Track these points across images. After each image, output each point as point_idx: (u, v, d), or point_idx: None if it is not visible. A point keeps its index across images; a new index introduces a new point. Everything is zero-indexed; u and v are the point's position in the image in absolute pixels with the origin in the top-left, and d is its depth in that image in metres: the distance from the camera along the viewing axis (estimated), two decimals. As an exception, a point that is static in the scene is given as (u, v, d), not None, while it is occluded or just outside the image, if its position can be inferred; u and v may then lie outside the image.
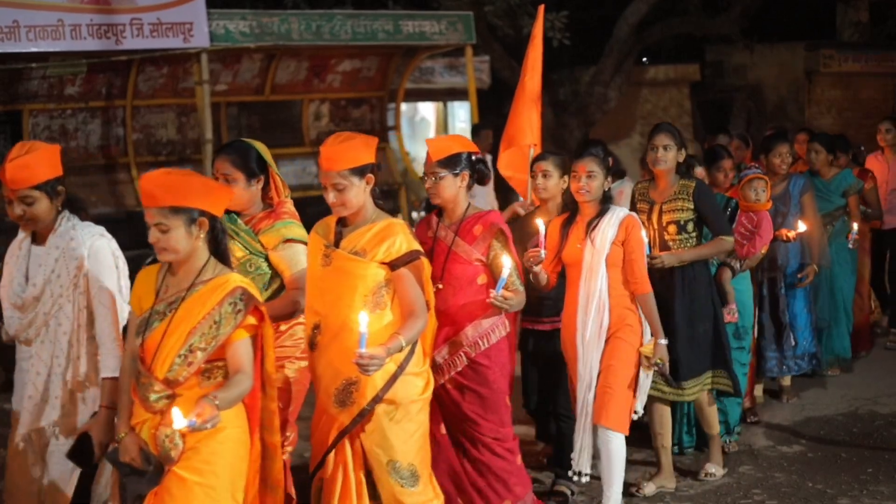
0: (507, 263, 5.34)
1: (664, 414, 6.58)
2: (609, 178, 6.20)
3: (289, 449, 5.27)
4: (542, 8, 8.17)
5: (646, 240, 6.12)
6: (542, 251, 5.76)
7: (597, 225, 6.01)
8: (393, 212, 13.05)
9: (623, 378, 5.94)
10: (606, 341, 5.98)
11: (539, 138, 7.67)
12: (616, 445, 5.91)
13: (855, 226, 8.76)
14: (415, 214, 13.42)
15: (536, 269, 5.87)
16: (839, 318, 9.13)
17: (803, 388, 8.63)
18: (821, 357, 8.61)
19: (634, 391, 5.98)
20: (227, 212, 4.89)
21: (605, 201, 6.10)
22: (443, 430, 5.65)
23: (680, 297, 6.50)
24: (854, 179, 9.10)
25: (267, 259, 5.16)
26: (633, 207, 6.81)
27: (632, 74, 18.33)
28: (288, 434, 5.22)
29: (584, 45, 18.44)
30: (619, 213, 6.07)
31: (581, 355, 6.00)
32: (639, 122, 20.46)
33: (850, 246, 8.89)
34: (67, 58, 11.18)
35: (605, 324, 5.96)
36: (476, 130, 12.75)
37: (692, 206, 6.59)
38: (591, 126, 18.07)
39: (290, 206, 5.40)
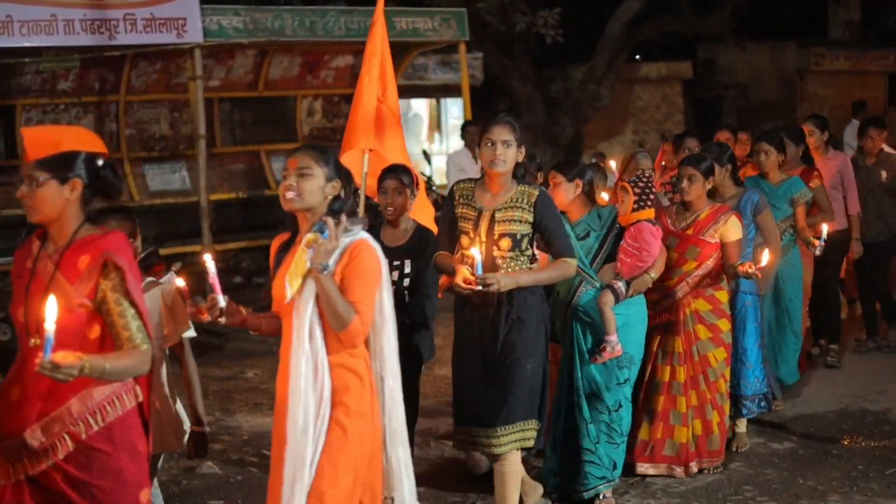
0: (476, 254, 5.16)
1: (504, 473, 5.58)
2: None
3: None
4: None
5: (478, 257, 5.16)
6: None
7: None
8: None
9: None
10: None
11: (377, 143, 7.31)
12: None
13: (825, 229, 7.47)
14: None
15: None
16: (786, 340, 8.22)
17: (793, 385, 8.65)
18: (770, 398, 7.48)
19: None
20: None
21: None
22: None
23: (504, 328, 5.50)
24: (803, 187, 8.11)
25: None
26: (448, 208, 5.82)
27: (624, 72, 18.36)
28: None
29: (576, 43, 18.48)
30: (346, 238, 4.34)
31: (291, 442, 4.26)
32: (631, 120, 20.52)
33: (817, 253, 7.66)
34: (60, 53, 11.18)
35: (326, 393, 4.27)
36: (465, 127, 12.78)
37: (531, 219, 5.52)
38: (583, 123, 18.13)
39: None
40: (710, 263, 6.75)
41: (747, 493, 6.49)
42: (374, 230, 5.94)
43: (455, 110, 19.13)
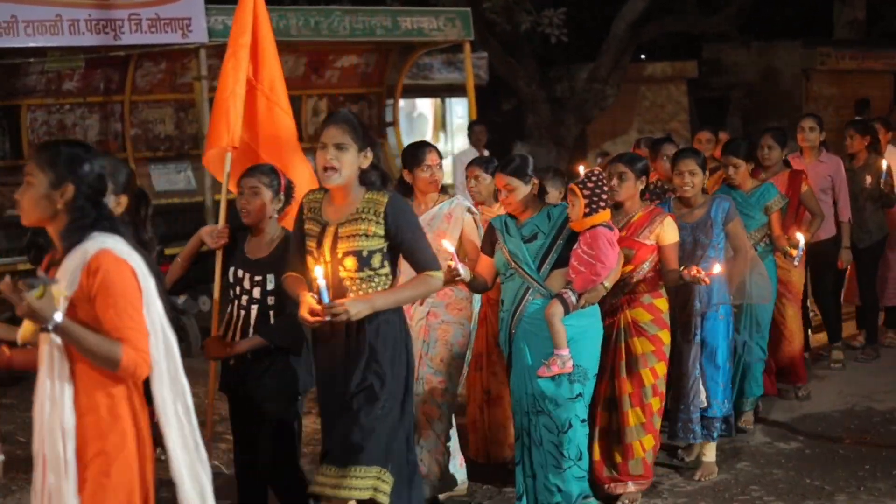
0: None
1: None
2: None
3: None
4: None
5: (322, 282, 4.55)
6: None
7: None
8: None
9: None
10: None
11: (249, 136, 6.32)
12: None
13: (801, 238, 7.28)
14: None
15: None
16: (753, 352, 7.68)
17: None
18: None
19: None
20: None
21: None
22: None
23: (356, 364, 4.83)
24: (777, 193, 7.63)
25: None
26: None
27: (629, 71, 18.34)
28: None
29: (581, 42, 18.46)
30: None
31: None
32: (636, 119, 20.50)
33: (795, 263, 7.53)
34: (65, 53, 11.17)
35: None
36: (470, 127, 12.75)
37: (382, 231, 4.81)
38: (588, 123, 18.11)
39: None
40: (645, 267, 6.28)
41: (754, 492, 6.49)
42: (236, 238, 5.62)
43: (460, 110, 19.11)
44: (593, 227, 5.62)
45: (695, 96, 21.08)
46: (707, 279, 5.98)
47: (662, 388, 6.37)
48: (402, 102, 15.17)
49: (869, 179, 9.35)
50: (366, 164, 4.87)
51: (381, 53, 13.73)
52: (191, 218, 11.54)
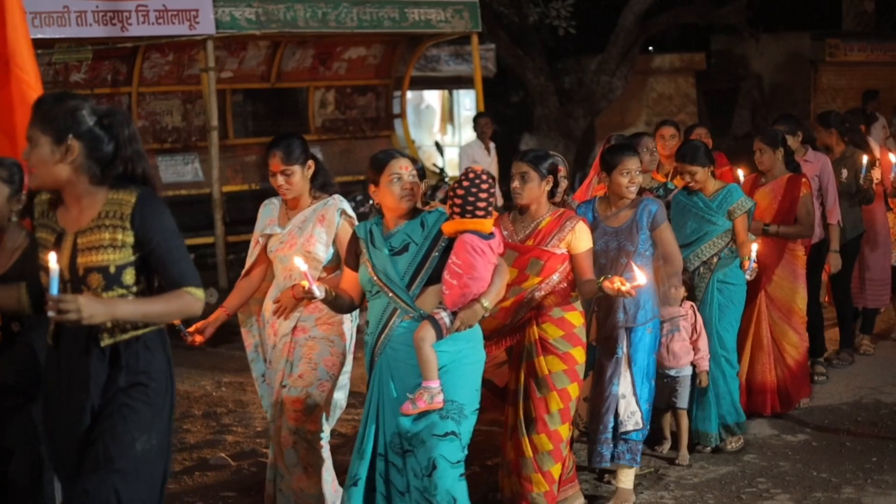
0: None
1: None
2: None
3: None
4: None
5: (55, 268, 3.62)
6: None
7: None
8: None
9: None
10: None
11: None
12: None
13: (754, 248, 6.76)
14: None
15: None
16: (721, 373, 7.07)
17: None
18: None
19: None
20: None
21: None
22: None
23: (84, 391, 3.90)
24: (741, 196, 7.05)
25: None
26: None
27: (637, 63, 18.32)
28: None
29: (589, 34, 18.43)
30: None
31: None
32: (644, 111, 20.47)
33: (748, 277, 6.88)
34: (73, 44, 11.18)
35: None
36: (477, 118, 12.74)
37: (132, 239, 3.89)
38: (596, 115, 18.10)
39: None
40: (555, 279, 5.65)
41: (761, 485, 6.48)
42: None
43: (468, 102, 19.11)
44: (463, 233, 4.81)
45: (703, 88, 21.06)
46: (633, 292, 5.20)
47: (573, 413, 5.73)
48: (409, 94, 15.17)
49: (845, 173, 8.79)
50: (54, 155, 3.81)
51: (389, 45, 13.72)
52: (198, 210, 11.55)
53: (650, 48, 20.95)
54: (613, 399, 6.10)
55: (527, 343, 5.72)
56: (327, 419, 5.68)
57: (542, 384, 5.65)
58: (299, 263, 4.80)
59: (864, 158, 8.67)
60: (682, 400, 6.89)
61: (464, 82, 17.66)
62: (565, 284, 5.70)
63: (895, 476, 6.55)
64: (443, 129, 19.74)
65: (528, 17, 16.56)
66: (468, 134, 18.09)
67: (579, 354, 5.71)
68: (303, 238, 5.56)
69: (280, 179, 5.55)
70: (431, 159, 14.67)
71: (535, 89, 17.45)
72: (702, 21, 19.37)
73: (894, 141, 12.65)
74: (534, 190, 5.64)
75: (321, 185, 5.74)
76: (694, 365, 6.90)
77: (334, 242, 5.59)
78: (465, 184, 4.84)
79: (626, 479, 6.20)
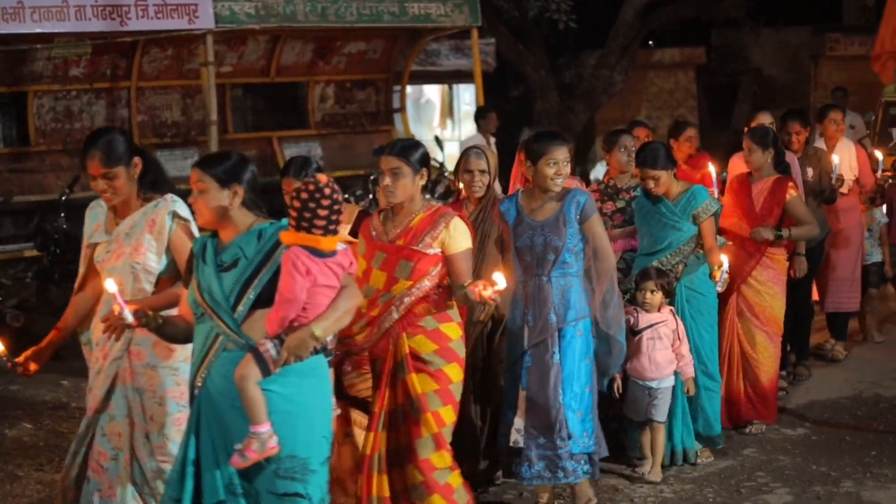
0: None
1: None
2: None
3: None
4: None
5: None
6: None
7: None
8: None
9: None
10: None
11: None
12: None
13: (725, 261, 6.45)
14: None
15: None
16: (697, 385, 6.61)
17: (807, 381, 8.60)
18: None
19: None
20: None
21: None
22: None
23: None
24: (706, 198, 6.65)
25: None
26: None
27: (637, 57, 18.30)
28: None
29: (589, 29, 18.40)
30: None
31: None
32: (644, 106, 20.46)
33: (718, 289, 6.59)
34: (72, 39, 11.17)
35: None
36: (483, 113, 12.73)
37: None
38: (596, 109, 18.08)
39: None
40: (427, 284, 5.12)
41: (760, 479, 6.47)
42: None
43: (467, 96, 19.09)
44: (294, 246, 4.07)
45: (703, 83, 21.04)
46: (494, 298, 4.75)
47: (449, 438, 5.17)
48: (409, 89, 15.16)
49: (810, 172, 8.30)
50: None
51: (389, 39, 13.72)
52: (198, 204, 11.55)
53: (650, 42, 20.93)
54: (561, 408, 5.56)
55: (396, 357, 5.15)
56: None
57: (414, 405, 5.11)
58: (109, 286, 4.24)
59: (835, 157, 8.23)
60: (661, 413, 6.44)
61: (464, 77, 17.65)
62: (440, 290, 5.18)
63: (894, 470, 6.54)
64: (442, 123, 19.73)
65: (528, 12, 16.54)
66: (468, 128, 18.07)
67: (454, 372, 5.17)
68: (130, 247, 4.82)
69: (102, 184, 4.77)
70: (431, 154, 14.63)
71: (535, 84, 17.43)
72: (702, 15, 19.35)
73: (869, 140, 12.53)
74: (407, 186, 5.12)
75: (152, 184, 4.93)
76: (678, 374, 6.50)
77: (168, 250, 4.85)
78: (304, 196, 4.06)
79: (582, 493, 5.84)
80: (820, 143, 8.88)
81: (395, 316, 5.13)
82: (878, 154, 9.03)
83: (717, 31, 21.74)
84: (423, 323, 5.15)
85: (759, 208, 7.27)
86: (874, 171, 8.95)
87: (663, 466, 6.55)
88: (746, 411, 7.26)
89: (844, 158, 8.63)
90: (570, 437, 5.57)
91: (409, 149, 5.18)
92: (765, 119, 8.19)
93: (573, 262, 5.62)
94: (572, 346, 5.63)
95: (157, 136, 12.44)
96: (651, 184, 6.58)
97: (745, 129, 7.98)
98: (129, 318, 4.17)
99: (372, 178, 12.63)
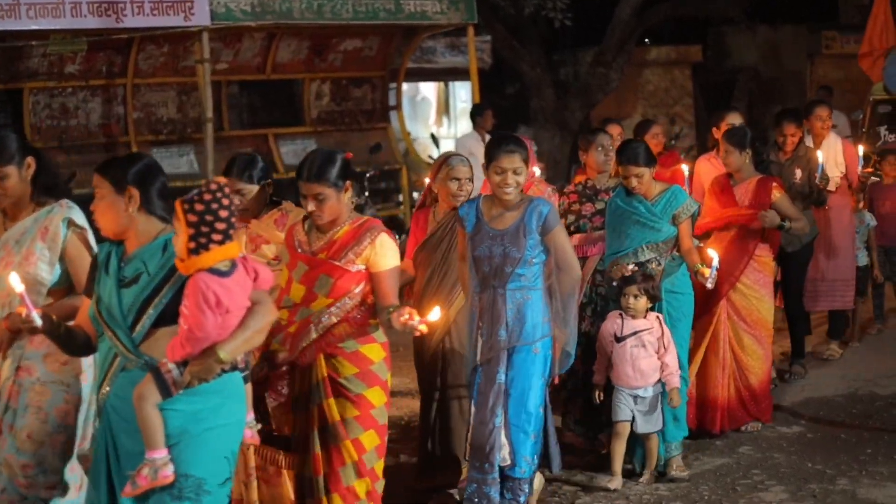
0: None
1: None
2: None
3: None
4: None
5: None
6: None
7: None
8: (394, 192, 13.00)
9: None
10: None
11: None
12: None
13: (714, 255, 6.26)
14: (416, 195, 13.41)
15: None
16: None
17: (805, 376, 8.62)
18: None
19: None
20: None
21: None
22: None
23: None
24: (685, 198, 6.44)
25: None
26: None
27: (633, 55, 18.30)
28: None
29: (585, 26, 18.39)
30: None
31: None
32: (640, 104, 20.44)
33: (709, 285, 6.33)
34: (68, 36, 11.16)
35: None
36: (480, 110, 12.73)
37: None
38: (592, 107, 18.07)
39: None
40: (349, 302, 4.80)
41: (755, 476, 6.48)
42: None
43: (463, 94, 19.10)
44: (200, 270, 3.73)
45: (699, 81, 21.04)
46: (421, 328, 4.48)
47: (372, 465, 4.92)
48: (405, 86, 15.17)
49: (799, 174, 8.16)
50: None
51: (385, 37, 13.71)
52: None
53: (646, 40, 20.93)
54: (498, 432, 5.26)
55: (314, 380, 4.85)
56: (61, 484, 4.66)
57: (332, 432, 4.82)
58: (14, 282, 3.85)
59: (819, 154, 8.14)
60: (654, 423, 6.26)
61: (459, 74, 17.64)
62: (363, 309, 4.85)
63: (890, 468, 6.55)
64: (438, 121, 19.73)
65: (524, 9, 16.51)
66: (464, 126, 18.07)
67: (376, 397, 4.88)
68: (20, 255, 4.52)
69: None
70: (427, 151, 14.65)
71: (531, 81, 17.42)
72: (698, 13, 19.35)
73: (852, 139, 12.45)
74: (334, 207, 4.81)
75: (45, 188, 4.64)
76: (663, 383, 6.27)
77: (62, 260, 4.57)
78: (199, 207, 3.70)
79: None
80: (807, 140, 8.76)
81: (314, 335, 4.79)
82: (860, 148, 8.90)
83: (713, 29, 21.73)
84: (344, 345, 4.83)
85: (745, 210, 7.13)
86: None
87: (632, 474, 6.46)
88: (742, 414, 7.24)
89: (830, 156, 8.57)
90: (512, 462, 5.27)
91: (325, 169, 4.76)
92: (735, 119, 7.99)
93: (531, 275, 5.31)
94: (527, 365, 5.31)
95: (153, 134, 12.43)
96: (634, 181, 6.35)
97: (714, 128, 7.91)
98: (37, 322, 3.84)
99: (368, 175, 12.63)
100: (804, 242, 8.15)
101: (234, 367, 3.89)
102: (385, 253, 4.81)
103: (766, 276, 7.24)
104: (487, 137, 12.34)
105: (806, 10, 21.68)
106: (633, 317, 6.25)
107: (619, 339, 6.25)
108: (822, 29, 20.69)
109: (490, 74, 18.10)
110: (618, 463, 6.31)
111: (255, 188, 5.40)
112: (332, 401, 4.81)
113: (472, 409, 5.39)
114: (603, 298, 6.73)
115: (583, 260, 6.64)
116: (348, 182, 4.83)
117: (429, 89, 19.57)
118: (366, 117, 14.03)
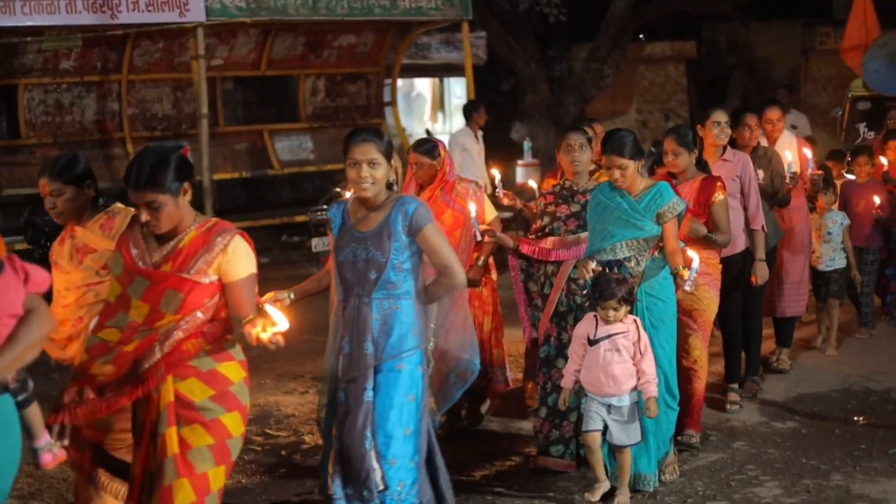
0: None
1: None
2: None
3: None
4: None
5: None
6: None
7: None
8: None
9: None
10: None
11: None
12: None
13: (694, 257, 5.93)
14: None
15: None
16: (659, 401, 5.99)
17: (797, 364, 8.65)
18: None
19: None
20: None
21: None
22: None
23: None
24: (672, 197, 6.01)
25: None
26: None
27: (628, 51, 18.32)
28: None
29: (580, 22, 18.41)
30: None
31: None
32: (635, 99, 20.47)
33: (687, 288, 5.92)
34: (62, 32, 11.15)
35: None
36: (474, 106, 12.74)
37: None
38: (587, 103, 18.09)
39: None
40: (200, 316, 4.23)
41: (750, 472, 6.49)
42: None
43: (458, 90, 19.12)
44: None
45: (694, 77, 21.06)
46: (273, 341, 4.01)
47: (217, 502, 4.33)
48: (400, 82, 15.17)
49: (761, 174, 7.76)
50: None
51: (380, 33, 13.72)
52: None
53: (641, 36, 20.95)
54: (367, 454, 4.70)
55: (157, 408, 4.21)
56: None
57: (167, 468, 4.15)
58: None
59: (787, 154, 7.81)
60: (632, 435, 5.84)
61: (454, 70, 17.67)
62: (215, 323, 4.27)
63: (884, 463, 6.56)
64: (433, 116, 19.75)
65: (518, 5, 16.53)
66: (459, 121, 18.08)
67: (234, 424, 4.27)
68: None
69: None
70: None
71: (526, 77, 17.43)
72: (693, 9, 19.37)
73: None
74: (172, 214, 4.22)
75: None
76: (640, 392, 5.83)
77: None
78: None
79: None
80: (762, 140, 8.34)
81: (158, 355, 4.15)
82: (808, 151, 8.28)
83: (707, 25, 21.76)
84: (196, 363, 4.21)
85: (691, 210, 6.62)
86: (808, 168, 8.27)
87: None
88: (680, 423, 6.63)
89: (792, 153, 8.13)
90: (384, 489, 4.70)
91: (156, 174, 4.16)
92: (720, 117, 7.41)
93: (400, 281, 4.73)
94: (389, 382, 4.73)
95: (148, 130, 12.43)
96: (617, 173, 5.91)
97: (699, 126, 7.49)
98: None
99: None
100: (770, 246, 7.72)
101: (4, 389, 3.36)
102: (239, 260, 4.24)
103: (714, 278, 6.81)
104: (479, 134, 12.38)
105: (800, 6, 21.71)
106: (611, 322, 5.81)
107: (591, 342, 5.81)
108: (816, 25, 20.71)
109: (485, 70, 18.12)
110: (599, 469, 5.93)
111: (70, 189, 4.79)
112: (173, 430, 4.17)
113: (335, 431, 4.83)
114: (580, 308, 6.31)
115: (556, 265, 6.49)
116: (186, 184, 4.24)
117: (424, 85, 19.58)
118: (361, 113, 14.04)
